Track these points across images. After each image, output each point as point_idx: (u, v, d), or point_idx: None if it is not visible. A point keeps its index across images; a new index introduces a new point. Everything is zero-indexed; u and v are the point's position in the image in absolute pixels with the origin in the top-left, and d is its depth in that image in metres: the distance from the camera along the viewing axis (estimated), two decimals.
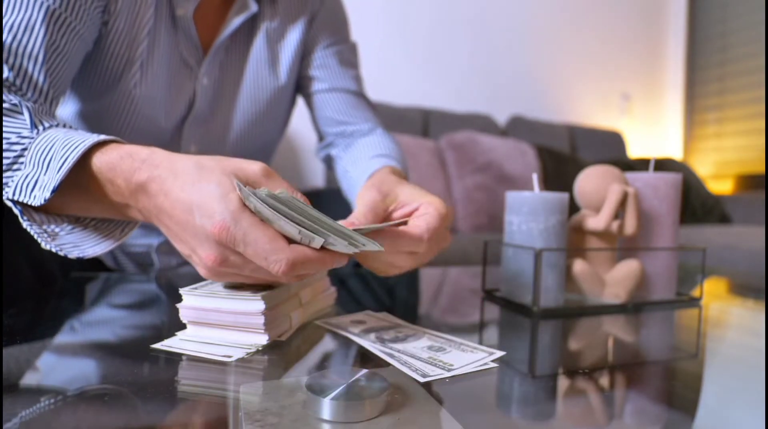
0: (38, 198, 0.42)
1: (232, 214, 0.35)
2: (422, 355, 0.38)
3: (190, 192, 0.37)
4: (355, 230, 0.38)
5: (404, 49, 2.33)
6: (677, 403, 0.35)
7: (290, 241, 0.36)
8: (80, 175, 0.42)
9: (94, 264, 0.79)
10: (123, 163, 0.40)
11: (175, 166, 0.38)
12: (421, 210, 0.47)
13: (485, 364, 0.37)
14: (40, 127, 0.46)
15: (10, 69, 0.52)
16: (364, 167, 0.70)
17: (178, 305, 0.41)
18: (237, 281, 0.40)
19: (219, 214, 0.35)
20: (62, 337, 0.44)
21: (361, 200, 0.48)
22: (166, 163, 0.39)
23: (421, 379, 0.33)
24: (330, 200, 0.87)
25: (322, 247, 0.36)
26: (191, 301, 0.41)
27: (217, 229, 0.35)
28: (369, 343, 0.41)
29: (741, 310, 0.69)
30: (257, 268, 0.36)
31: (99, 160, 0.41)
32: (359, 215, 0.45)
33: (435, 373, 0.35)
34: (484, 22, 2.50)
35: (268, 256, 0.35)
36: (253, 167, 0.38)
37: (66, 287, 0.65)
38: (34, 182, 0.43)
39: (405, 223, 0.46)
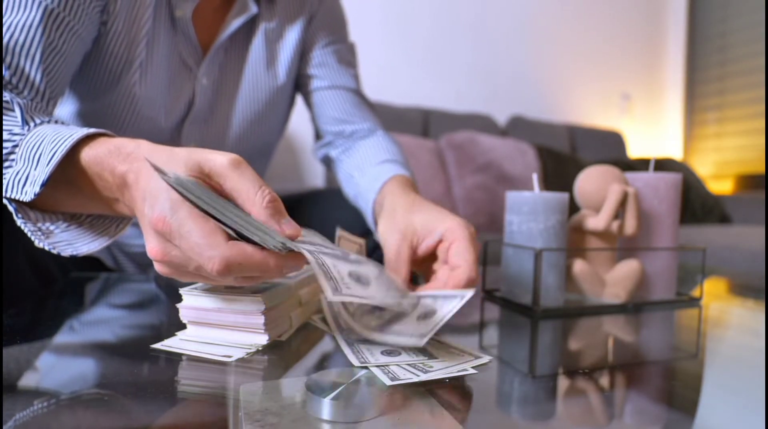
0: (29, 193, 0.41)
1: (172, 204, 0.33)
2: (404, 357, 0.37)
3: (150, 182, 0.35)
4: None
5: (404, 50, 2.33)
6: (677, 403, 0.35)
7: (233, 239, 0.33)
8: (70, 170, 0.42)
9: (94, 264, 0.79)
10: (110, 156, 0.40)
11: (152, 157, 0.37)
12: (447, 240, 0.47)
13: (464, 370, 0.35)
14: (32, 124, 0.46)
15: (7, 68, 0.52)
16: (373, 175, 0.70)
17: (178, 305, 0.41)
18: (187, 280, 0.38)
19: (160, 203, 0.33)
20: (62, 338, 0.44)
21: (388, 249, 0.49)
22: (146, 154, 0.38)
23: (389, 382, 0.32)
24: (330, 200, 0.87)
25: (266, 248, 0.33)
26: (191, 301, 0.41)
27: (155, 219, 0.33)
28: (349, 341, 0.41)
29: (741, 310, 0.69)
30: (201, 267, 0.33)
31: (87, 155, 0.41)
32: (397, 268, 0.47)
33: (406, 377, 0.33)
34: (484, 23, 2.50)
35: (202, 252, 0.32)
36: (220, 158, 0.36)
37: (66, 287, 0.65)
38: (24, 178, 0.42)
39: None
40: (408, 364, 0.36)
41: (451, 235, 0.47)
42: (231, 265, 0.32)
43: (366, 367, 0.35)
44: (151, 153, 0.38)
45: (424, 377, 0.33)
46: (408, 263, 0.48)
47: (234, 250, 0.32)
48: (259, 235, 0.33)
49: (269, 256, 0.33)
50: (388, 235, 0.50)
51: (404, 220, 0.51)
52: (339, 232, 0.53)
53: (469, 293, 0.39)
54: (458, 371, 0.35)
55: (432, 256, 0.50)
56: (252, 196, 0.35)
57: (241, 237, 0.33)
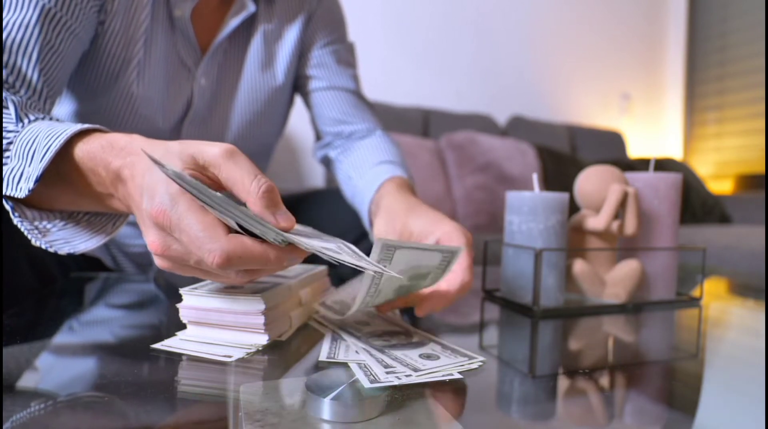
0: (23, 189, 0.41)
1: (171, 197, 0.33)
2: (381, 356, 0.37)
3: (146, 176, 0.35)
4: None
5: (405, 50, 2.33)
6: (677, 403, 0.35)
7: (232, 232, 0.33)
8: (63, 166, 0.42)
9: (93, 264, 0.79)
10: (103, 152, 0.39)
11: (146, 151, 0.37)
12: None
13: (450, 375, 0.34)
14: (26, 121, 0.46)
15: (5, 66, 0.52)
16: (371, 177, 0.70)
17: (178, 305, 0.41)
18: (188, 274, 0.37)
19: (159, 196, 0.33)
20: (62, 337, 0.44)
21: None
22: (140, 148, 0.38)
23: (368, 384, 0.31)
24: (330, 200, 0.87)
25: (265, 241, 0.33)
26: (191, 301, 0.41)
27: (155, 212, 0.33)
28: (335, 337, 0.41)
29: (741, 310, 0.69)
30: (201, 260, 0.33)
31: (80, 150, 0.41)
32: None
33: (387, 380, 0.32)
34: (485, 23, 2.50)
35: (202, 245, 0.32)
36: (213, 149, 0.35)
37: (66, 287, 0.65)
38: (19, 174, 0.42)
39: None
40: (390, 366, 0.35)
41: (447, 239, 0.47)
42: (231, 257, 0.32)
43: (330, 364, 0.35)
44: (145, 147, 0.37)
45: (405, 381, 0.32)
46: None
47: (234, 243, 0.32)
48: (259, 227, 0.32)
49: (269, 248, 0.33)
50: (383, 237, 0.49)
51: (401, 223, 0.51)
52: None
53: (478, 361, 0.37)
54: (443, 376, 0.34)
55: None
56: (247, 185, 0.34)
57: (243, 230, 0.33)
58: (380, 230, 0.52)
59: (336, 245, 0.36)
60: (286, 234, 0.33)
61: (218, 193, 0.33)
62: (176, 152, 0.35)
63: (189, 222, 0.32)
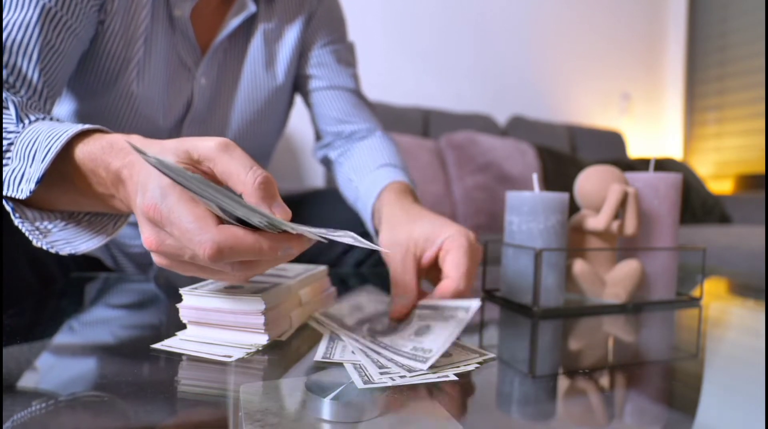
0: (24, 190, 0.41)
1: (162, 191, 0.32)
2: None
3: (142, 173, 0.35)
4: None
5: (405, 50, 2.33)
6: (677, 403, 0.35)
7: (224, 223, 0.32)
8: (64, 167, 0.41)
9: (94, 264, 0.79)
10: (103, 153, 0.39)
11: (145, 150, 0.38)
12: (445, 249, 0.48)
13: (445, 376, 0.34)
14: (26, 121, 0.46)
15: (5, 66, 0.52)
16: (371, 180, 0.70)
17: (178, 305, 0.41)
18: (187, 272, 0.36)
19: (150, 191, 0.33)
20: (62, 337, 0.44)
21: (393, 264, 0.49)
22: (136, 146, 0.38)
23: (361, 385, 0.31)
24: (330, 200, 0.87)
25: (259, 230, 0.32)
26: (191, 301, 0.41)
27: (146, 207, 0.32)
28: (332, 337, 0.41)
29: (741, 310, 0.69)
30: (195, 255, 0.32)
31: (81, 151, 0.41)
32: (404, 281, 0.47)
33: (380, 381, 0.32)
34: (485, 23, 2.50)
35: (193, 237, 0.31)
36: (208, 143, 0.35)
37: (66, 287, 0.65)
38: (20, 175, 0.42)
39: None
40: (384, 366, 0.35)
41: (449, 244, 0.47)
42: (222, 248, 0.31)
43: (326, 364, 0.35)
44: (143, 146, 0.37)
45: (399, 382, 0.32)
46: (415, 275, 0.48)
47: (225, 234, 0.31)
48: (241, 209, 0.31)
49: (262, 238, 0.32)
50: (390, 249, 0.50)
51: (405, 232, 0.51)
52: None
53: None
54: (438, 378, 0.34)
55: (437, 265, 0.50)
56: (243, 177, 0.33)
57: (238, 221, 0.32)
58: (384, 244, 0.52)
59: (341, 232, 0.35)
60: (272, 216, 0.32)
61: (205, 180, 0.31)
62: (172, 149, 0.35)
63: (179, 214, 0.31)
